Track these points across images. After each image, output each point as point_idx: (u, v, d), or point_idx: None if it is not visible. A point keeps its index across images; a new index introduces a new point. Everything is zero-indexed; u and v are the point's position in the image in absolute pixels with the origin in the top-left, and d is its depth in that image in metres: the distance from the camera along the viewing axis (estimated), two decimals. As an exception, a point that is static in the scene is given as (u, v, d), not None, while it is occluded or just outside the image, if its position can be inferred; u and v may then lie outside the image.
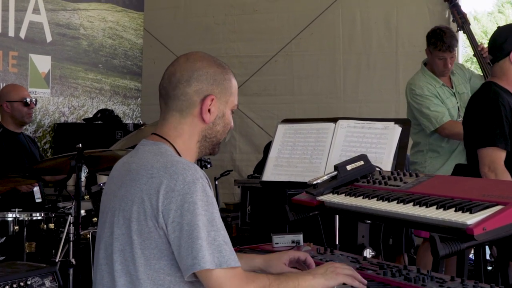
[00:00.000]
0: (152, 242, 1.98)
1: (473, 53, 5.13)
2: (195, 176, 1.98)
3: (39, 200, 4.76)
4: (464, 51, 7.06)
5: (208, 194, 1.99)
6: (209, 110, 2.15)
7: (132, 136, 4.63)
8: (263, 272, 2.35)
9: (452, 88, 4.84)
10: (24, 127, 5.37)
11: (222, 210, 6.22)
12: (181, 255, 1.94)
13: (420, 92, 4.76)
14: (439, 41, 4.71)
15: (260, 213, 5.65)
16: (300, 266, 2.43)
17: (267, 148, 3.40)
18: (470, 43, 5.17)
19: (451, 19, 5.79)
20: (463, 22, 4.98)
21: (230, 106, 2.21)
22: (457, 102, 4.79)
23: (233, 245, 2.03)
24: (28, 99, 5.07)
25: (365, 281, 2.17)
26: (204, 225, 1.93)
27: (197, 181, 1.98)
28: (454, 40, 4.75)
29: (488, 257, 4.42)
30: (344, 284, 2.14)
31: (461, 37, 5.99)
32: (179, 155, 2.12)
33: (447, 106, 4.74)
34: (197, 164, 3.00)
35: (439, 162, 4.74)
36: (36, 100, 5.24)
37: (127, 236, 2.02)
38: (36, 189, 4.74)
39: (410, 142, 4.96)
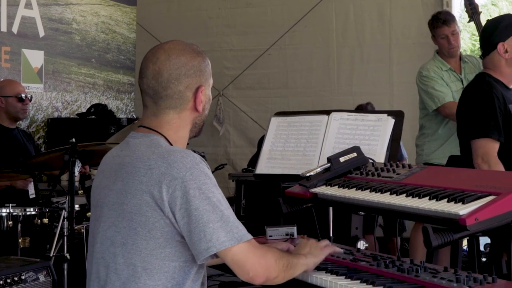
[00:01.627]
0: (158, 231, 2.00)
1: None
2: (194, 162, 2.01)
3: (33, 196, 4.74)
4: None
5: (210, 176, 2.03)
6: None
7: (126, 131, 4.61)
8: None
9: (461, 73, 4.93)
10: (18, 122, 5.34)
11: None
12: (193, 240, 1.96)
13: (427, 74, 4.89)
14: (434, 20, 4.90)
15: (254, 206, 5.65)
16: None
17: (261, 142, 3.40)
18: (479, 34, 5.20)
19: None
20: (473, 12, 5.04)
21: (211, 86, 2.25)
22: (462, 88, 4.84)
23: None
24: (23, 95, 5.00)
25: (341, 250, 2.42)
26: (214, 207, 1.97)
27: (197, 166, 2.00)
28: (449, 15, 4.92)
29: (482, 248, 4.43)
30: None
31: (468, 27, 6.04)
32: (171, 145, 2.13)
33: (451, 89, 4.83)
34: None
35: (435, 145, 4.85)
36: (31, 96, 5.19)
37: (129, 228, 2.03)
38: (30, 185, 4.72)
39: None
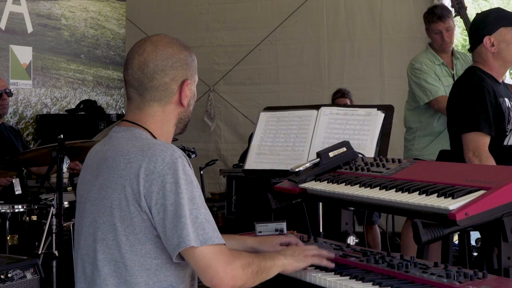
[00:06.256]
0: (136, 227, 1.97)
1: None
2: (174, 156, 1.97)
3: (19, 193, 4.70)
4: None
5: (188, 173, 1.98)
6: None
7: (113, 127, 4.57)
8: (255, 251, 2.33)
9: (452, 69, 4.91)
10: (6, 119, 5.29)
11: (207, 200, 6.19)
12: (167, 236, 1.93)
13: (419, 66, 4.87)
14: (430, 14, 4.85)
15: (245, 202, 5.63)
16: None
17: (252, 137, 3.37)
18: (466, 29, 5.18)
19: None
20: (459, 7, 5.01)
21: (196, 82, 2.22)
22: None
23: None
24: None
25: (332, 265, 2.23)
26: (186, 204, 1.92)
27: (176, 161, 1.96)
28: (445, 11, 4.86)
29: (473, 242, 4.42)
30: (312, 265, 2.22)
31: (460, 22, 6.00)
32: (155, 138, 2.11)
33: (442, 84, 4.81)
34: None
35: (425, 141, 4.83)
36: (10, 91, 5.07)
37: (109, 224, 2.00)
38: (15, 181, 4.67)
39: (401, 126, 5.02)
